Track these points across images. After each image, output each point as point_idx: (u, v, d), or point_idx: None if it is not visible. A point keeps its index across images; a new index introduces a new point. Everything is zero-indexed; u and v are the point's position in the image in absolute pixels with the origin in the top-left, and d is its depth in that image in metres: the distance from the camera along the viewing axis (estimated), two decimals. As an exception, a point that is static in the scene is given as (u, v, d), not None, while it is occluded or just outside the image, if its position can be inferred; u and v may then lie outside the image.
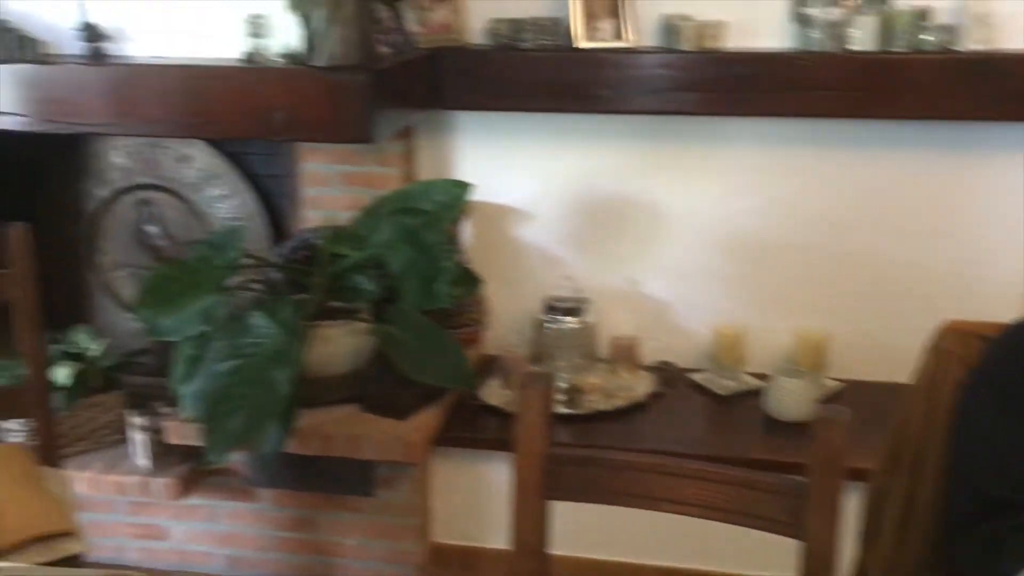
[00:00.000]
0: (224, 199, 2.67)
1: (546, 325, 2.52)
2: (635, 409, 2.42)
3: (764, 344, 2.56)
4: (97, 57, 2.28)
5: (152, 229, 2.75)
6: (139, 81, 2.21)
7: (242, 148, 2.64)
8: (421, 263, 2.14)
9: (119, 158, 2.69)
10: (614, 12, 2.34)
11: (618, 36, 2.35)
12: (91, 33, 2.26)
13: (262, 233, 2.66)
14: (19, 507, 1.76)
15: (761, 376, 2.50)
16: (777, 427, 2.32)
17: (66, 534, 1.78)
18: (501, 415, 2.39)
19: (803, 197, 2.50)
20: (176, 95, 2.18)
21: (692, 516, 1.17)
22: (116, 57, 2.32)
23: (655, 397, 2.47)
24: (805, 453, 1.13)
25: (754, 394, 2.45)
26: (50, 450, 1.96)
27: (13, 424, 2.40)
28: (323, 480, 2.36)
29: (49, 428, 1.96)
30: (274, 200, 2.69)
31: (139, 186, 2.72)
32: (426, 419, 2.28)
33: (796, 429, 2.27)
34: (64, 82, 2.23)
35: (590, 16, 2.32)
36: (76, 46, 2.28)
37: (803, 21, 2.32)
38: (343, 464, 2.27)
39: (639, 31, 2.38)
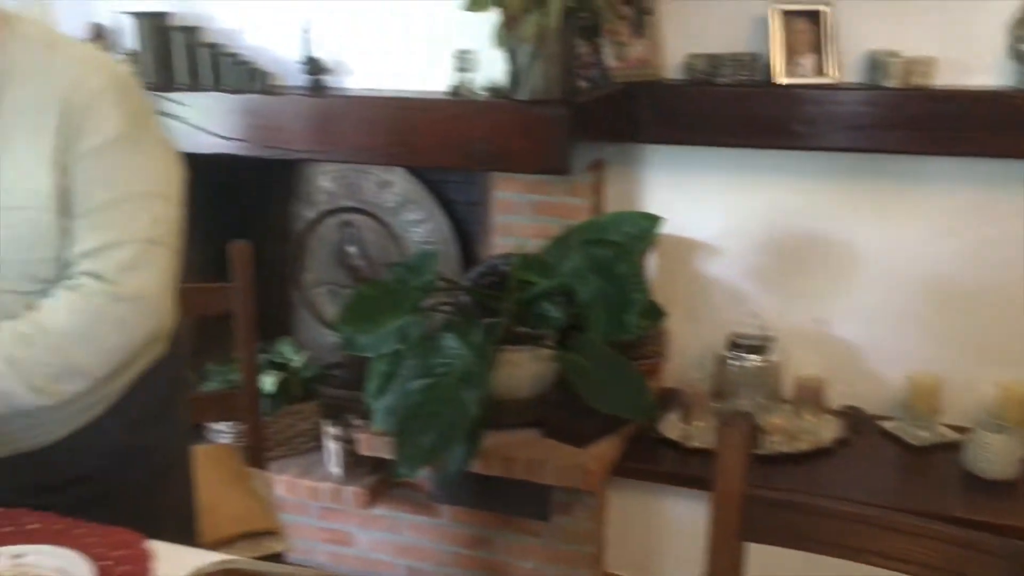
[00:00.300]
0: (419, 223, 2.80)
1: (729, 362, 2.49)
2: (819, 454, 2.35)
3: (963, 394, 2.43)
4: (317, 89, 2.44)
5: (352, 250, 2.90)
6: (352, 112, 2.36)
7: (439, 175, 2.76)
8: (610, 294, 2.16)
9: (326, 182, 2.87)
10: (816, 47, 2.30)
11: (820, 72, 2.31)
12: (313, 66, 2.43)
13: (453, 257, 2.76)
14: (230, 504, 1.89)
15: (959, 429, 2.38)
16: (978, 484, 2.19)
17: (270, 533, 1.90)
18: (679, 449, 2.38)
19: (1010, 241, 2.37)
20: (385, 125, 2.31)
21: (902, 572, 1.13)
22: (334, 89, 2.48)
23: (841, 443, 2.39)
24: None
25: (951, 447, 2.33)
26: (257, 452, 2.10)
27: (222, 426, 2.59)
28: (502, 501, 2.41)
29: (258, 432, 2.09)
30: (465, 226, 2.80)
31: (342, 209, 2.88)
32: (605, 448, 2.30)
33: (1000, 488, 2.14)
34: (285, 112, 2.40)
35: (791, 51, 2.30)
36: (300, 78, 2.46)
37: (1022, 58, 2.20)
38: (522, 487, 2.32)
39: (842, 67, 2.33)
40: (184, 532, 1.56)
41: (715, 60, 2.38)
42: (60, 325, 1.26)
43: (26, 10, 1.39)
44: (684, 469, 2.34)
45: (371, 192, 2.82)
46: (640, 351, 2.50)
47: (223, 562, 1.21)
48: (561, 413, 2.33)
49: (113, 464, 1.47)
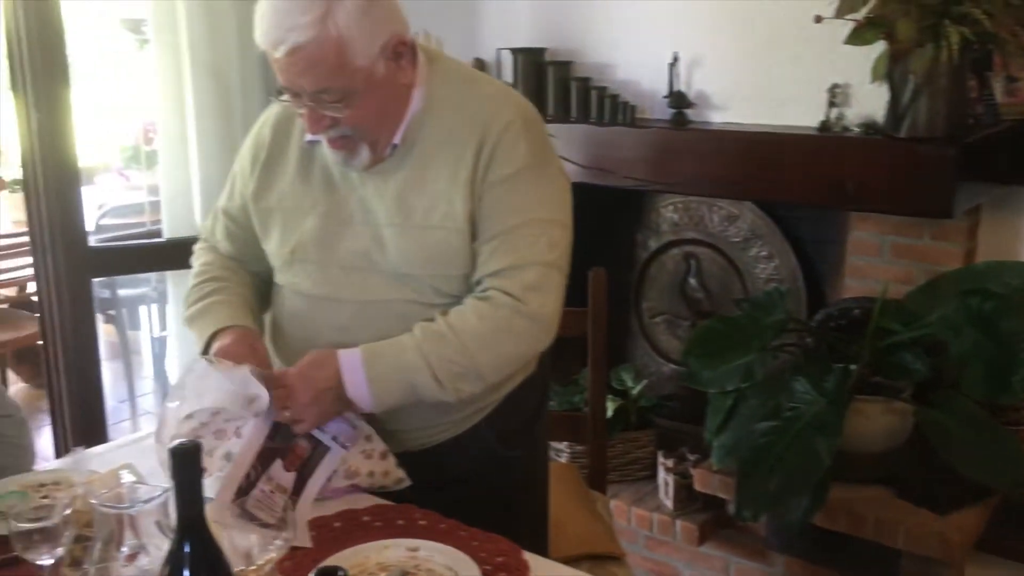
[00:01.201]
0: (765, 260, 2.73)
1: None
2: None
3: None
4: (680, 123, 2.47)
5: (692, 282, 2.89)
6: (714, 145, 2.36)
7: (787, 211, 2.67)
8: (991, 350, 1.97)
9: (671, 213, 2.88)
10: None
11: None
12: (677, 100, 2.46)
13: (799, 297, 2.66)
14: (575, 524, 1.94)
15: None
16: None
17: (612, 557, 1.92)
18: (1055, 530, 2.12)
19: None
20: (747, 159, 2.28)
21: None
22: (696, 123, 2.50)
23: None
24: None
25: None
26: (599, 476, 2.13)
27: (560, 445, 2.68)
28: (844, 559, 2.28)
29: (601, 455, 2.13)
30: (813, 264, 2.69)
31: (686, 240, 2.88)
32: (969, 517, 2.10)
33: None
34: (647, 144, 2.45)
35: None
36: (664, 112, 2.50)
37: None
38: (864, 546, 2.18)
39: None
40: (538, 544, 1.61)
41: None
42: (469, 328, 1.36)
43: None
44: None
45: (717, 225, 2.80)
46: (1013, 415, 2.26)
47: (600, 584, 1.24)
48: (917, 473, 2.17)
49: (485, 471, 1.56)
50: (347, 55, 1.30)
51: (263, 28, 1.31)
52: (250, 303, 1.55)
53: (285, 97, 1.37)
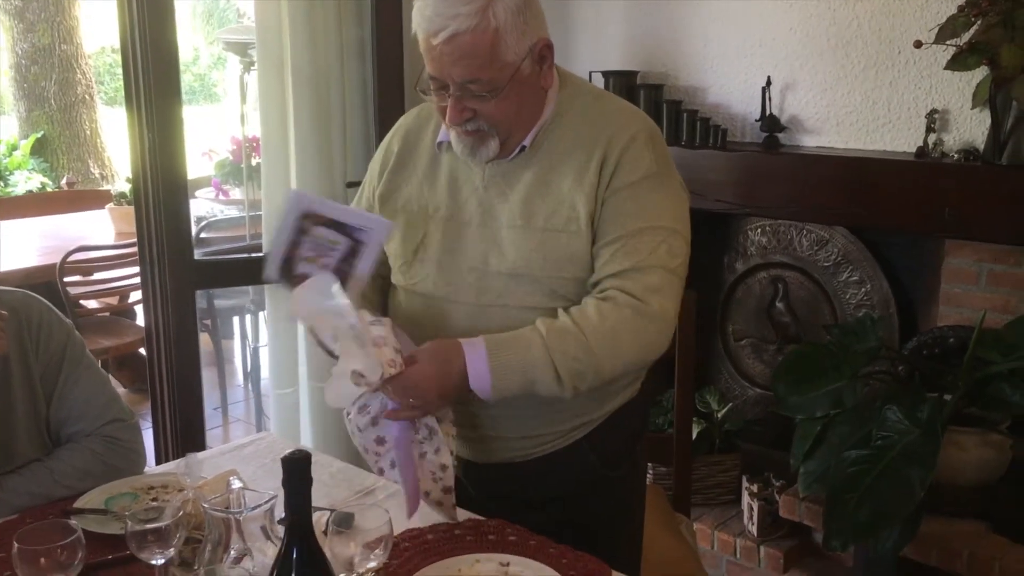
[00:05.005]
0: (855, 285, 2.69)
1: None
2: None
3: None
4: (772, 146, 2.46)
5: (780, 306, 2.86)
6: (807, 170, 2.34)
7: (879, 236, 2.63)
8: (1095, 384, 1.92)
9: (759, 236, 2.86)
10: None
11: None
12: (770, 124, 2.45)
13: (891, 323, 2.61)
14: (662, 547, 1.93)
15: None
16: None
17: (697, 582, 1.92)
18: None
19: None
20: (841, 184, 2.26)
21: None
22: (788, 146, 2.48)
23: None
24: None
25: None
26: (684, 498, 2.13)
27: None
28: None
29: (686, 477, 2.12)
30: (905, 291, 2.64)
31: (774, 264, 2.86)
32: (1068, 557, 2.03)
33: None
34: (738, 167, 2.45)
35: None
36: (756, 135, 2.50)
37: None
38: (957, 582, 2.13)
39: None
40: (631, 567, 1.62)
41: None
42: (591, 325, 1.37)
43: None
44: None
45: (806, 249, 2.77)
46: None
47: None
48: (1015, 508, 2.11)
49: (584, 490, 1.57)
50: (500, 48, 1.34)
51: (425, 15, 1.35)
52: (376, 301, 1.60)
53: (428, 89, 1.42)
